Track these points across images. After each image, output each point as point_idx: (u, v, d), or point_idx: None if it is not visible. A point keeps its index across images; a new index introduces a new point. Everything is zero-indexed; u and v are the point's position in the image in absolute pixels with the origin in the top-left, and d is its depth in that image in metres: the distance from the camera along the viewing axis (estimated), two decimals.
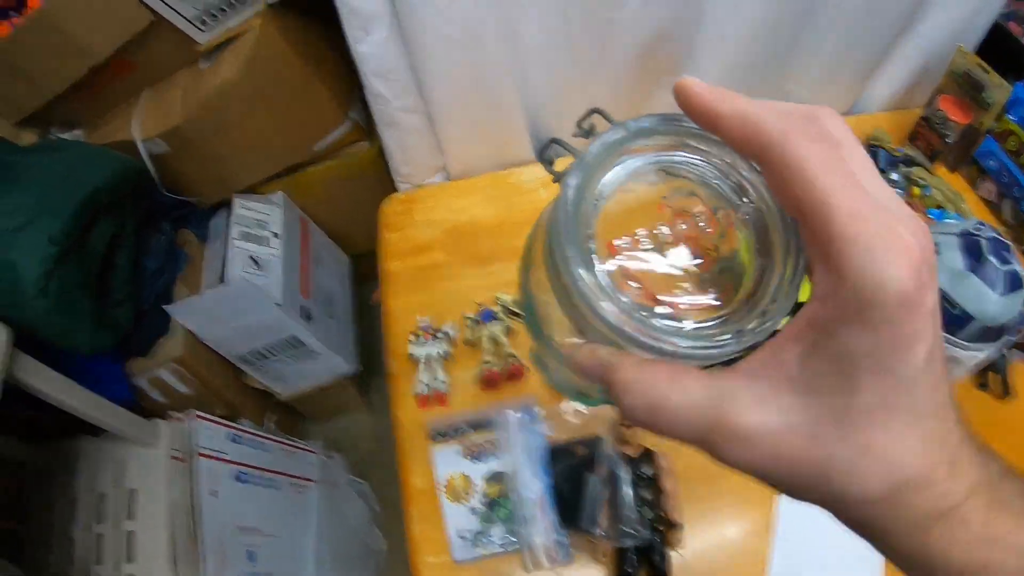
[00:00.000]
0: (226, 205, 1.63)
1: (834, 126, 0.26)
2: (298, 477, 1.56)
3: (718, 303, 0.30)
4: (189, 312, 1.39)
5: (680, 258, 0.31)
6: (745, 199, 0.31)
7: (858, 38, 1.23)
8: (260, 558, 1.34)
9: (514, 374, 1.03)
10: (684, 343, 0.27)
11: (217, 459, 1.31)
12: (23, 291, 1.10)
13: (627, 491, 0.90)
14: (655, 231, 0.31)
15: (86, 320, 1.21)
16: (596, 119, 0.35)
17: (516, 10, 1.04)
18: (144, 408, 1.35)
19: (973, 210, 1.19)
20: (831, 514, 0.27)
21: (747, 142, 0.27)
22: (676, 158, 0.31)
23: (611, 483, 0.91)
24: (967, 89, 1.15)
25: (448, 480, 0.97)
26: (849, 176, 0.24)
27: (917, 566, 0.27)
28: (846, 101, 1.39)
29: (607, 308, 0.27)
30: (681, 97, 0.29)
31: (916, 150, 1.27)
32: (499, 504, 0.96)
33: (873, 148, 1.24)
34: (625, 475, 0.91)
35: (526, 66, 1.14)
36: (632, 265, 0.30)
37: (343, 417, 2.01)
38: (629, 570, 0.87)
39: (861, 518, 0.27)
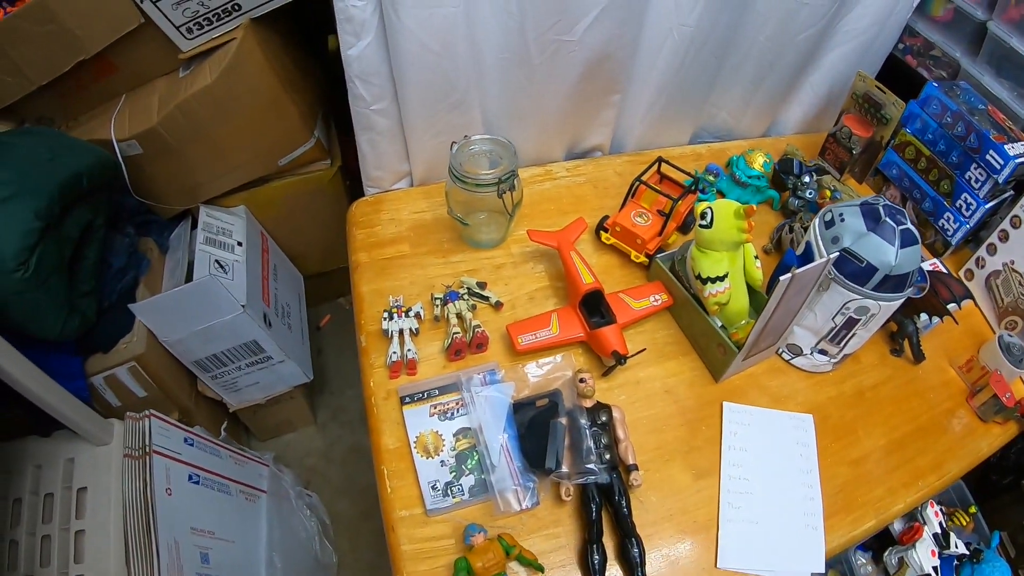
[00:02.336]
0: (187, 217, 1.68)
1: None
2: (249, 486, 1.55)
3: None
4: (153, 311, 1.40)
5: None
6: None
7: (771, 68, 1.41)
8: (213, 561, 1.32)
9: (480, 343, 1.11)
10: None
11: (172, 458, 1.31)
12: (2, 263, 1.11)
13: (586, 433, 1.00)
14: None
15: (59, 302, 1.22)
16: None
17: (481, 29, 1.17)
18: (96, 409, 1.34)
19: None
20: None
21: None
22: None
23: (571, 428, 1.01)
24: (867, 108, 1.33)
25: (419, 437, 1.04)
26: None
27: None
28: (762, 124, 1.57)
29: None
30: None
31: (826, 163, 1.43)
32: (468, 456, 1.04)
33: (788, 159, 1.40)
34: (584, 421, 1.01)
35: (487, 84, 1.27)
36: None
37: (289, 434, 2.03)
38: (592, 506, 0.95)
39: None
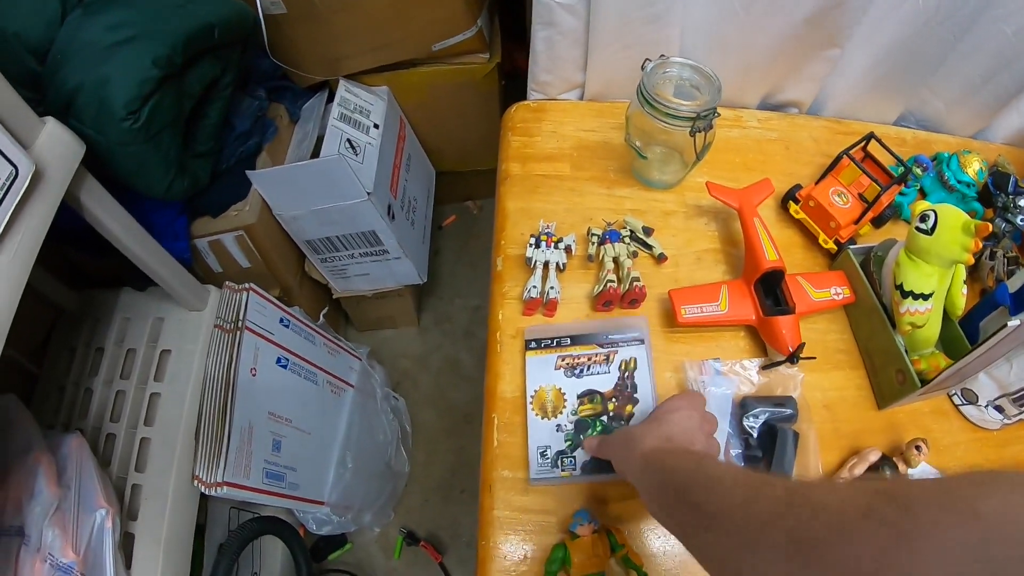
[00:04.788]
0: (323, 89, 1.57)
1: None
2: (338, 378, 1.50)
3: None
4: (272, 181, 1.32)
5: None
6: None
7: (1007, 66, 1.19)
8: (284, 450, 1.27)
9: (635, 298, 0.96)
10: None
11: (263, 337, 1.25)
12: (112, 110, 1.02)
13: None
14: None
15: (168, 159, 1.14)
16: None
17: None
18: (196, 273, 1.28)
19: None
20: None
21: None
22: None
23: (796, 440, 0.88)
24: None
25: (538, 392, 0.90)
26: None
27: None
28: (975, 124, 1.34)
29: None
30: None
31: None
32: (589, 425, 0.88)
33: (1004, 173, 1.18)
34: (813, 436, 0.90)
35: (695, 8, 1.09)
36: None
37: (389, 331, 1.98)
38: None
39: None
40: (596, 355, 0.93)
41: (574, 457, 0.85)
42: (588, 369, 0.92)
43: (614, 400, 0.89)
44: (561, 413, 0.89)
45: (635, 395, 0.90)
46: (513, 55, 1.74)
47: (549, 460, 0.85)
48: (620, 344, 0.93)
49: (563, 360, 0.92)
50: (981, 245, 0.86)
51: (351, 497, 1.47)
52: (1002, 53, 1.17)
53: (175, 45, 1.06)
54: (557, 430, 0.87)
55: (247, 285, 1.22)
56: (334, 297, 1.70)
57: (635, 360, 0.92)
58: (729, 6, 1.08)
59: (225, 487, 1.09)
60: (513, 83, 1.24)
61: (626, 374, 0.91)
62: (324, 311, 1.54)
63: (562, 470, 0.85)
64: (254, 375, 1.19)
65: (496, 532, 0.81)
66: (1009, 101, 1.27)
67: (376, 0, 1.35)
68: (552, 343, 0.93)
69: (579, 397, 0.90)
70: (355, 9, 1.36)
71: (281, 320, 1.31)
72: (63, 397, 1.25)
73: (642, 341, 0.94)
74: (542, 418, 0.88)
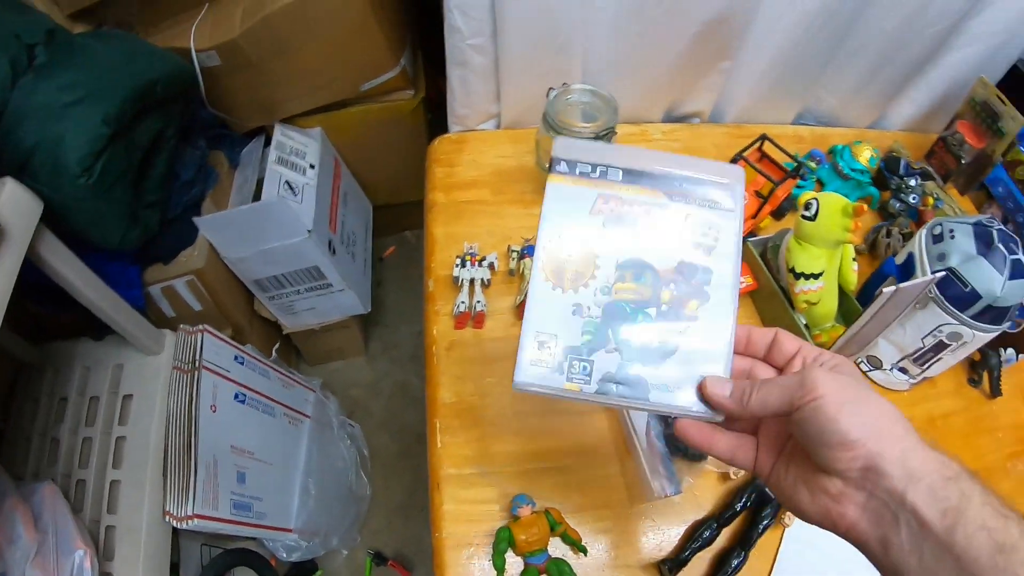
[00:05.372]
0: (260, 134, 1.65)
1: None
2: (294, 410, 1.56)
3: None
4: (217, 226, 1.39)
5: None
6: None
7: (890, 60, 1.30)
8: (249, 482, 1.33)
9: None
10: None
11: (220, 375, 1.31)
12: (66, 168, 1.09)
13: None
14: None
15: (121, 211, 1.20)
16: None
17: None
18: (150, 318, 1.33)
19: None
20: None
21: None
22: None
23: None
24: (984, 117, 1.22)
25: (553, 246, 0.59)
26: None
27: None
28: (870, 115, 1.45)
29: None
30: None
31: (931, 167, 1.33)
32: (627, 315, 0.57)
33: (895, 157, 1.30)
34: None
35: (595, 30, 1.18)
36: None
37: (339, 362, 2.03)
38: (737, 506, 0.90)
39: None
40: (660, 207, 0.59)
41: (590, 362, 0.55)
42: (642, 227, 0.59)
43: (672, 286, 0.58)
44: (586, 287, 0.57)
45: (706, 287, 0.58)
46: (440, 85, 1.81)
47: (553, 358, 0.55)
48: (698, 202, 0.60)
49: (606, 202, 0.59)
50: (861, 225, 0.96)
51: (317, 522, 1.52)
52: (885, 49, 1.27)
53: (123, 103, 1.14)
54: (574, 312, 0.57)
55: (201, 327, 1.28)
56: (284, 333, 1.76)
57: (718, 232, 0.59)
58: (626, 32, 1.18)
59: (196, 519, 1.14)
60: (440, 112, 1.33)
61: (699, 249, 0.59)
62: (276, 347, 1.61)
63: (568, 379, 0.55)
64: (214, 411, 1.25)
65: (447, 524, 0.88)
66: (899, 91, 1.39)
67: (306, 47, 1.43)
68: (592, 172, 0.60)
69: (619, 268, 0.58)
70: (286, 57, 1.43)
71: (236, 358, 1.37)
72: (30, 447, 1.29)
73: (729, 212, 0.59)
74: (553, 287, 0.57)
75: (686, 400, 0.55)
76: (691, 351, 0.56)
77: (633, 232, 0.58)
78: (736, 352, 0.56)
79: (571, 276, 0.57)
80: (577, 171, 0.60)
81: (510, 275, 1.10)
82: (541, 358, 0.56)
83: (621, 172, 0.60)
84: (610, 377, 0.55)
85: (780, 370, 0.55)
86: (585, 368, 0.55)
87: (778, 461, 0.53)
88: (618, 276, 0.57)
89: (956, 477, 0.42)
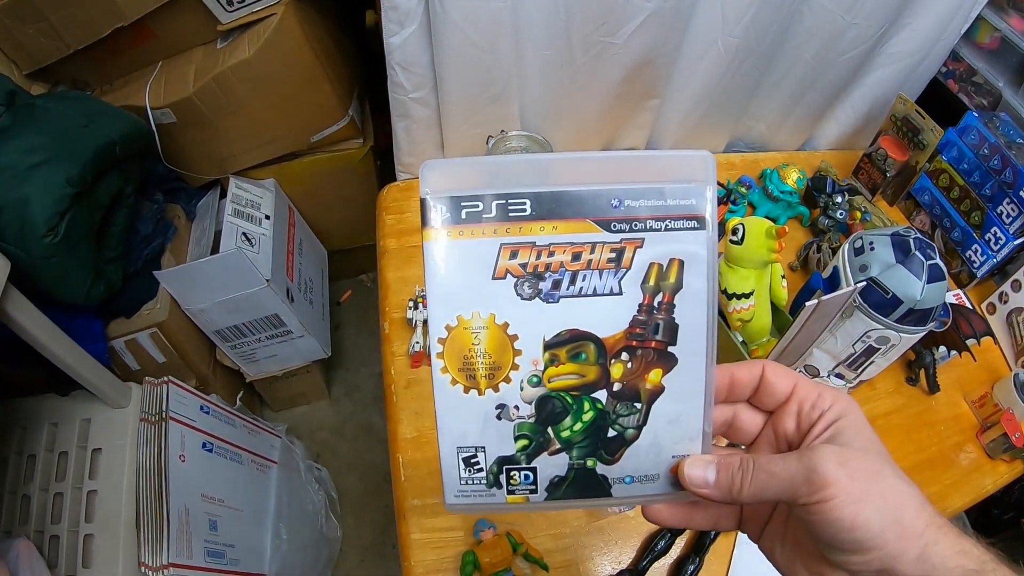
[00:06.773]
0: (216, 187, 1.69)
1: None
2: (261, 456, 1.59)
3: None
4: (178, 279, 1.42)
5: None
6: None
7: (812, 86, 1.40)
8: (221, 529, 1.36)
9: None
10: None
11: (187, 425, 1.34)
12: (33, 228, 1.12)
13: None
14: None
15: (86, 268, 1.24)
16: None
17: (527, 25, 1.16)
18: (115, 372, 1.36)
19: None
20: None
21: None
22: None
23: None
24: (905, 132, 1.31)
25: (455, 327, 0.42)
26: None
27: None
28: (798, 138, 1.55)
29: None
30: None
31: (859, 183, 1.42)
32: (567, 409, 0.43)
33: (821, 177, 1.39)
34: None
35: (528, 80, 1.26)
36: None
37: (303, 407, 2.06)
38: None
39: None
40: (592, 245, 0.41)
41: (532, 469, 0.44)
42: (572, 282, 0.42)
43: (624, 355, 0.43)
44: (508, 381, 0.43)
45: (671, 348, 0.43)
46: (388, 131, 1.87)
47: (485, 474, 0.44)
48: (651, 224, 0.41)
49: (513, 255, 0.41)
50: (783, 245, 1.03)
51: (290, 566, 1.54)
52: (806, 76, 1.37)
53: (84, 164, 1.18)
54: (499, 417, 0.43)
55: (166, 378, 1.31)
56: (248, 381, 1.78)
57: (678, 264, 0.42)
58: (557, 79, 1.25)
59: (171, 568, 1.17)
60: (389, 157, 1.39)
61: (658, 295, 0.42)
62: (240, 395, 1.64)
63: (509, 492, 0.45)
64: (183, 461, 1.28)
65: (415, 552, 0.93)
66: (824, 113, 1.49)
67: (257, 102, 1.48)
68: (486, 209, 0.41)
69: (549, 347, 0.43)
70: (239, 112, 1.48)
71: (201, 407, 1.40)
72: (2, 506, 1.28)
73: (699, 223, 0.41)
74: (465, 390, 0.43)
75: (657, 488, 0.46)
76: (658, 431, 0.44)
77: (560, 293, 0.42)
78: (716, 401, 0.45)
79: (485, 372, 0.43)
80: (463, 213, 0.40)
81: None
82: (471, 476, 0.45)
83: (529, 201, 0.41)
84: (560, 481, 0.45)
85: (770, 413, 0.47)
86: (528, 476, 0.45)
87: (770, 527, 0.47)
88: (549, 359, 0.43)
89: (979, 570, 0.38)
